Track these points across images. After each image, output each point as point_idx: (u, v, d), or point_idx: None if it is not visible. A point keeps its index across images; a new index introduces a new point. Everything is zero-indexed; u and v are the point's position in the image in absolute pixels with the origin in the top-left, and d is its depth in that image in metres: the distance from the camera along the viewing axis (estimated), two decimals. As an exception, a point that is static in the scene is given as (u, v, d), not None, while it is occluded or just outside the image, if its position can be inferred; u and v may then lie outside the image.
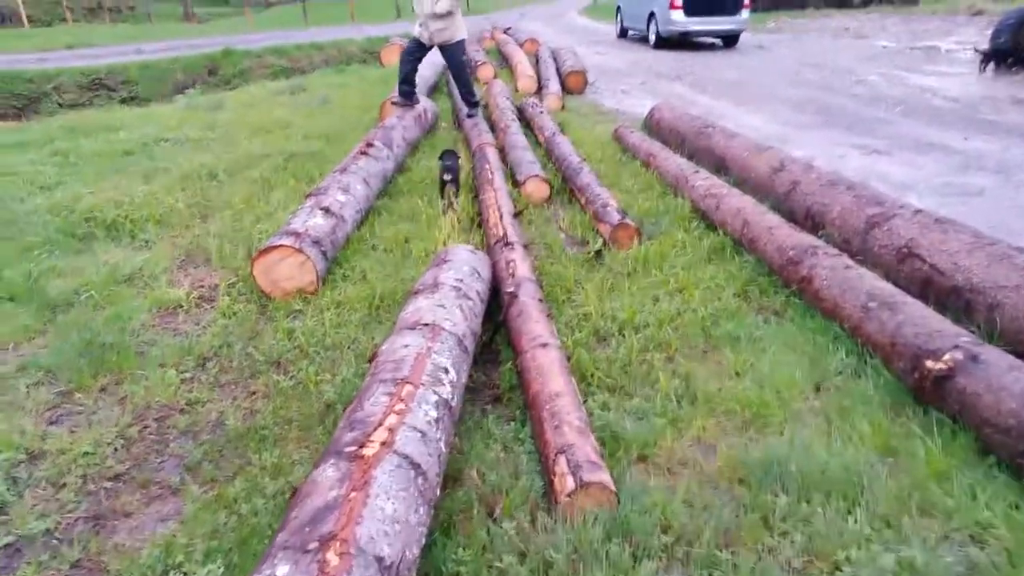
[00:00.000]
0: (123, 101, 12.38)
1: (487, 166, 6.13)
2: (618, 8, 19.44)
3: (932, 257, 3.56)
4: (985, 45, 11.44)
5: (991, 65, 11.11)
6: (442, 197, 5.79)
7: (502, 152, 7.02)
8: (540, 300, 3.67)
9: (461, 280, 3.68)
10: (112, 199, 5.84)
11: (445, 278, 3.65)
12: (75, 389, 3.43)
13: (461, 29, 7.94)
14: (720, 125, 6.67)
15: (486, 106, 9.57)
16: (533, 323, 3.40)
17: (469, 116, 8.20)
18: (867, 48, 15.32)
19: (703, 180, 5.31)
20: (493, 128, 8.10)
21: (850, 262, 3.69)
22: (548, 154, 7.03)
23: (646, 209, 5.36)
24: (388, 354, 2.87)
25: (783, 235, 4.13)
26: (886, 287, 3.38)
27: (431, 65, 11.43)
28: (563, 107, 9.70)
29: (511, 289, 3.74)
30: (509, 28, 17.61)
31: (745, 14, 15.91)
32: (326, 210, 4.84)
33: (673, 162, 5.97)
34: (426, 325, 3.09)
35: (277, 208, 5.75)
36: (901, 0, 25.37)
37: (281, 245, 4.26)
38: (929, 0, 25.02)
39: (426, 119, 8.25)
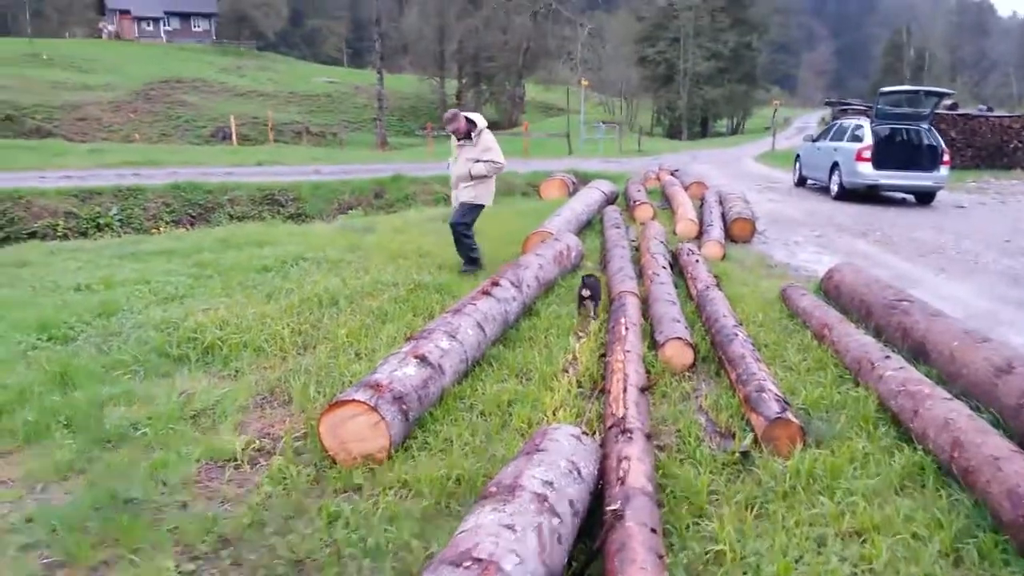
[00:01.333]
0: (289, 217, 12.94)
1: (623, 320, 5.27)
2: (797, 156, 18.47)
3: None
4: None
5: None
6: (579, 312, 5.83)
7: (645, 304, 6.15)
8: (653, 530, 2.66)
9: (551, 484, 2.77)
10: (221, 319, 5.53)
11: (529, 478, 2.76)
12: (67, 561, 2.81)
13: (488, 196, 7.80)
14: (918, 299, 5.44)
15: (636, 249, 8.82)
16: (636, 570, 2.39)
17: (464, 272, 7.59)
18: (1096, 214, 13.21)
19: (895, 370, 4.12)
20: (641, 275, 7.29)
21: None
22: (698, 311, 6.07)
23: (815, 399, 4.22)
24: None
25: (1017, 473, 2.88)
26: None
27: (584, 201, 10.97)
28: (724, 256, 8.74)
29: (615, 506, 2.77)
30: (677, 170, 17.10)
31: (944, 171, 14.37)
32: (422, 359, 4.15)
33: (855, 340, 4.80)
34: (478, 562, 2.19)
35: (382, 346, 5.17)
36: None
37: (354, 400, 3.58)
38: None
39: (568, 257, 7.60)
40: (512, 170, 18.56)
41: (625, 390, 3.93)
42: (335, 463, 3.57)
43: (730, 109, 72.81)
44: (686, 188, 13.92)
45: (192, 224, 11.98)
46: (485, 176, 7.59)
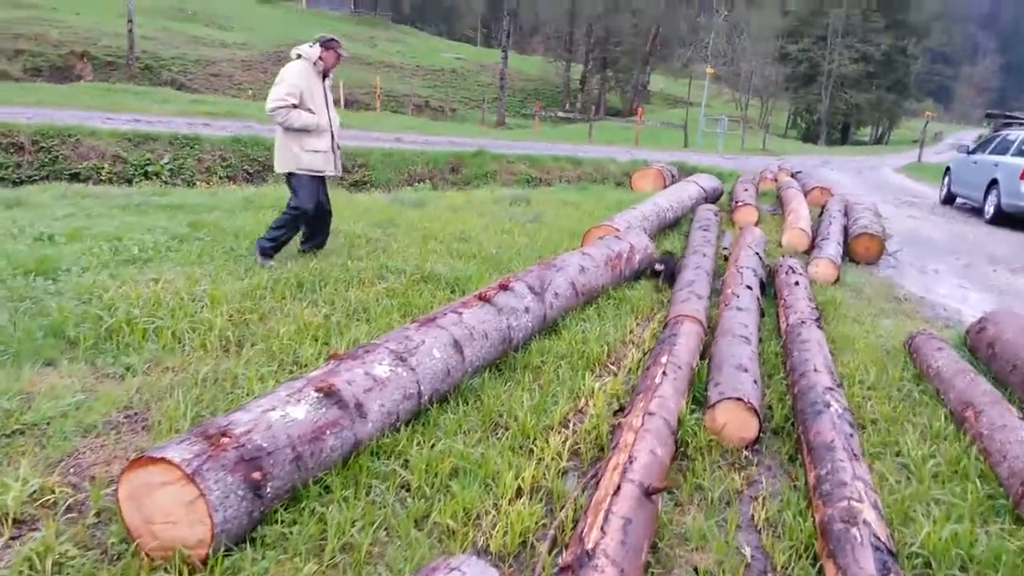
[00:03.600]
0: (353, 184, 11.89)
1: (664, 359, 3.71)
2: (947, 169, 15.78)
3: None
4: None
5: None
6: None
7: (710, 336, 4.54)
8: None
9: None
10: (155, 295, 4.37)
11: None
12: None
13: (295, 158, 5.48)
14: None
15: (725, 259, 7.11)
16: None
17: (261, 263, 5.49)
18: None
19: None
20: (719, 294, 5.66)
21: None
22: (784, 356, 4.39)
23: (943, 546, 2.53)
24: None
25: None
26: None
27: (674, 195, 9.27)
28: (838, 279, 6.88)
29: None
30: (799, 172, 14.91)
31: None
32: (327, 393, 2.79)
33: (1018, 438, 3.04)
34: None
35: (317, 354, 3.84)
36: None
37: (164, 459, 2.24)
38: None
39: (628, 262, 6.02)
40: (610, 157, 16.92)
41: (617, 492, 2.41)
42: (138, 551, 2.27)
43: (875, 117, 67.33)
44: (806, 193, 11.87)
45: (248, 180, 11.12)
46: (293, 128, 5.39)
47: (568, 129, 34.88)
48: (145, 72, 45.96)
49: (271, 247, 5.55)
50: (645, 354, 4.32)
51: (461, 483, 2.75)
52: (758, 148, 30.76)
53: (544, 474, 2.90)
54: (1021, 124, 15.55)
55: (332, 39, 5.58)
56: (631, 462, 2.60)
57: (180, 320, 4.06)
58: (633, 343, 4.68)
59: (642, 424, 2.95)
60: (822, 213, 9.89)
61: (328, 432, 2.70)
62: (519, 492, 2.78)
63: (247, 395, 3.32)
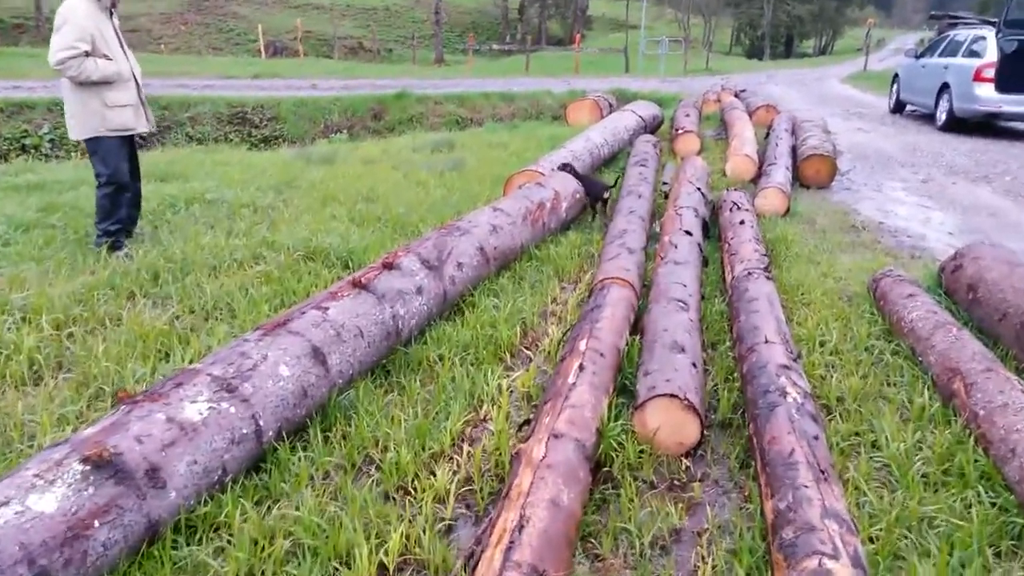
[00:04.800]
0: (262, 140, 10.79)
1: (581, 345, 2.98)
2: (895, 76, 15.14)
3: None
4: None
5: None
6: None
7: (644, 300, 3.82)
8: None
9: None
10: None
11: None
12: None
13: (99, 117, 4.49)
14: None
15: (664, 196, 6.38)
16: None
17: (97, 245, 4.64)
18: None
19: None
20: (658, 240, 4.94)
21: None
22: (730, 318, 3.70)
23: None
24: None
25: None
26: None
27: (608, 128, 8.45)
28: (788, 211, 6.20)
29: None
30: (743, 90, 14.14)
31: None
32: (100, 463, 2.00)
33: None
34: None
35: (148, 376, 3.03)
36: None
37: None
38: None
39: (553, 212, 5.24)
40: (547, 89, 15.92)
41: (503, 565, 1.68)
42: None
43: (818, 28, 66.50)
44: (751, 113, 11.12)
45: (142, 146, 9.91)
46: (91, 82, 4.37)
47: (505, 63, 33.42)
48: (37, 31, 42.85)
49: (109, 239, 4.63)
50: (566, 332, 3.58)
51: (299, 569, 2.00)
52: (701, 68, 29.85)
53: (420, 536, 2.16)
54: (967, 24, 14.82)
55: None
56: (520, 529, 1.87)
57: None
58: (556, 316, 3.94)
59: (544, 456, 2.22)
60: (768, 134, 9.19)
61: (97, 523, 1.91)
62: (382, 573, 2.04)
63: (35, 449, 2.51)
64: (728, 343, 3.48)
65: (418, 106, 12.72)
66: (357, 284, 3.24)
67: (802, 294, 4.17)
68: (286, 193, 6.36)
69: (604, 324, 3.24)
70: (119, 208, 4.68)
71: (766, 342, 3.05)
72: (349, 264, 4.48)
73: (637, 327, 3.50)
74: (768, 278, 3.92)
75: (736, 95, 13.33)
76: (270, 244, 4.73)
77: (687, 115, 10.05)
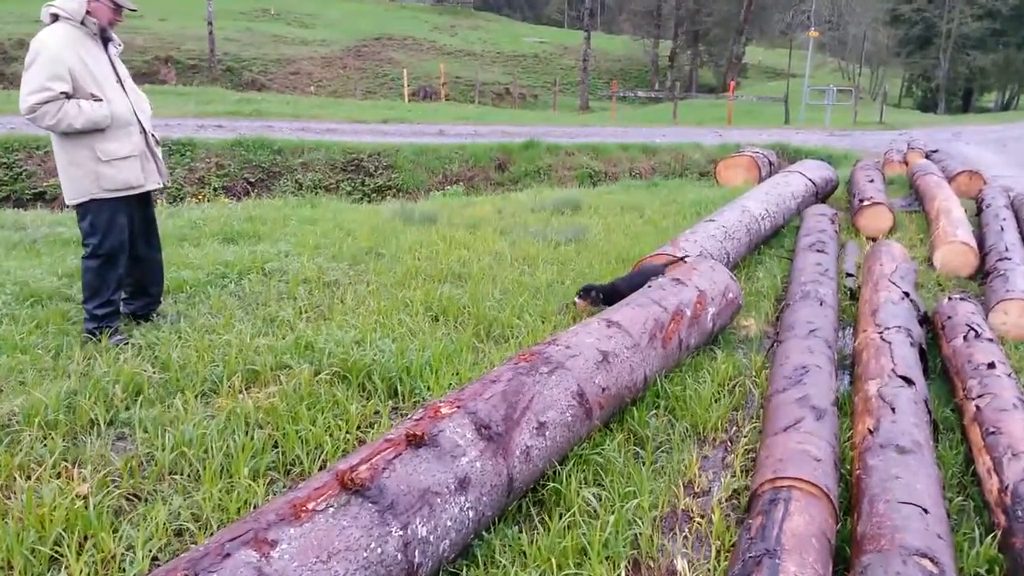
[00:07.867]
0: (377, 190, 9.95)
1: None
2: None
3: None
4: None
5: None
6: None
7: (856, 492, 2.23)
8: None
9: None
10: None
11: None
12: None
13: (92, 176, 3.48)
14: None
15: (849, 295, 4.70)
16: None
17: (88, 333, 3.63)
18: None
19: None
20: (852, 370, 3.33)
21: None
22: (999, 515, 2.03)
23: None
24: None
25: None
26: None
27: (771, 195, 6.77)
28: (1039, 329, 4.31)
29: None
30: (935, 151, 11.89)
31: None
32: None
33: None
34: None
35: None
36: None
37: None
38: None
39: (698, 321, 3.71)
40: (695, 142, 14.27)
41: None
42: None
43: (1003, 80, 60.30)
44: (950, 180, 9.03)
45: (248, 193, 9.33)
46: (74, 131, 3.40)
47: (652, 111, 31.95)
48: (227, 74, 46.06)
49: (100, 324, 3.59)
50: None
51: None
52: (874, 122, 26.99)
53: None
54: None
55: None
56: None
57: None
58: (690, 534, 2.41)
59: None
60: (980, 211, 7.19)
61: None
62: None
63: None
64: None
65: (547, 157, 11.52)
66: (345, 484, 1.90)
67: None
68: (363, 264, 5.22)
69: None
70: (109, 286, 3.65)
71: None
72: (398, 391, 3.19)
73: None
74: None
75: (927, 156, 11.16)
76: (304, 348, 3.52)
77: (870, 179, 8.17)
